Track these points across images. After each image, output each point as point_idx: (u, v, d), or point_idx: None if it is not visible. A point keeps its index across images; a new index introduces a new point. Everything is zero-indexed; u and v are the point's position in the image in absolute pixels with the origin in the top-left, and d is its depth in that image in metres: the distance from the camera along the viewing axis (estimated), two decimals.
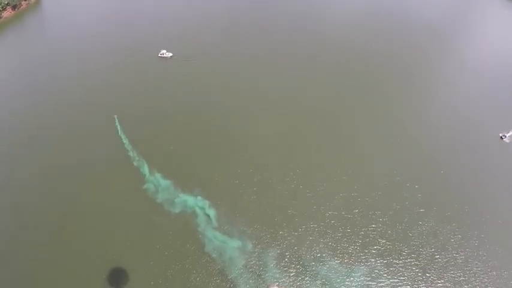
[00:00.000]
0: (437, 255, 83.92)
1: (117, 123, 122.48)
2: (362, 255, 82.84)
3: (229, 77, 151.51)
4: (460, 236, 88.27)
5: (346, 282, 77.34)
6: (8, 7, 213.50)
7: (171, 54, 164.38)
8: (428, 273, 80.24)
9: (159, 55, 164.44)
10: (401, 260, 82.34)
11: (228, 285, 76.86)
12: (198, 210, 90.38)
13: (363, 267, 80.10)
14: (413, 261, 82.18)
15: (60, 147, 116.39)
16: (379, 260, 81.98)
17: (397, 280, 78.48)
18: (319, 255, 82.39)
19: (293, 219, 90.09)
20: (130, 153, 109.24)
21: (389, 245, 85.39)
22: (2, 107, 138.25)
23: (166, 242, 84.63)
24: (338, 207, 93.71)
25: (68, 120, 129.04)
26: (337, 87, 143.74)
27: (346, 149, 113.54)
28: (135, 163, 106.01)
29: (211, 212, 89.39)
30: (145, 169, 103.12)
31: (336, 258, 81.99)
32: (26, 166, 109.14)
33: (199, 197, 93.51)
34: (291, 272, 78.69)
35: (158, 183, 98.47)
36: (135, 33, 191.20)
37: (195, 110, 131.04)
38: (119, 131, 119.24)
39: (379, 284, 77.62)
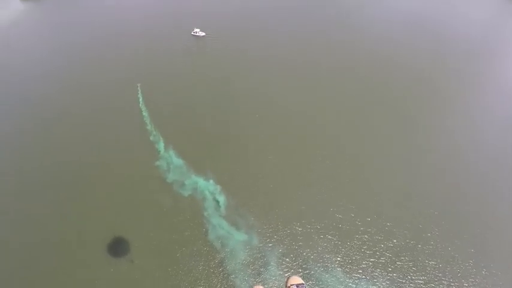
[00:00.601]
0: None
1: (139, 94, 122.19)
2: (365, 267, 79.89)
3: (259, 64, 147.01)
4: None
5: None
6: None
7: (204, 34, 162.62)
8: None
9: (192, 33, 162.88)
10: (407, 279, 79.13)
11: (221, 270, 76.18)
12: (207, 194, 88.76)
13: (364, 281, 77.51)
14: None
15: (82, 114, 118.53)
16: (383, 274, 79.01)
17: None
18: (321, 260, 79.65)
19: (305, 220, 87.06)
20: (148, 127, 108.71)
21: (396, 260, 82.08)
22: (35, 65, 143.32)
23: (169, 220, 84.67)
24: (351, 212, 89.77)
25: (94, 87, 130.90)
26: (362, 94, 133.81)
27: (367, 159, 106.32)
28: (151, 138, 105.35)
29: (221, 199, 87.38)
30: (161, 145, 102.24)
31: (339, 266, 79.36)
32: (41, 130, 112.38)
33: (211, 181, 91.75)
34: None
35: (171, 161, 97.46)
36: (173, 8, 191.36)
37: (220, 91, 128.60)
38: (140, 102, 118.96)
39: None
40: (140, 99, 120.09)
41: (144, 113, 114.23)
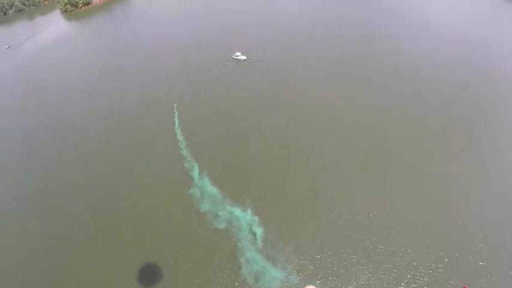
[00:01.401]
0: None
1: (175, 117, 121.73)
2: None
3: (302, 92, 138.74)
4: None
5: None
6: None
7: (245, 58, 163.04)
8: None
9: (233, 57, 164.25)
10: None
11: None
12: (244, 225, 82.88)
13: None
14: None
15: (117, 133, 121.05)
16: None
17: None
18: None
19: (345, 255, 78.83)
20: (183, 152, 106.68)
21: None
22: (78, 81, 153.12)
23: (202, 250, 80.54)
24: (392, 246, 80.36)
25: (131, 107, 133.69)
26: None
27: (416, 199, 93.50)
28: (185, 164, 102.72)
29: (259, 231, 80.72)
30: (196, 172, 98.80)
31: None
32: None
33: (248, 211, 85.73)
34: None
35: (206, 189, 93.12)
36: (215, 33, 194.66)
37: (260, 118, 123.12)
38: (176, 125, 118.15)
39: None
40: (176, 122, 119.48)
41: (179, 137, 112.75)
